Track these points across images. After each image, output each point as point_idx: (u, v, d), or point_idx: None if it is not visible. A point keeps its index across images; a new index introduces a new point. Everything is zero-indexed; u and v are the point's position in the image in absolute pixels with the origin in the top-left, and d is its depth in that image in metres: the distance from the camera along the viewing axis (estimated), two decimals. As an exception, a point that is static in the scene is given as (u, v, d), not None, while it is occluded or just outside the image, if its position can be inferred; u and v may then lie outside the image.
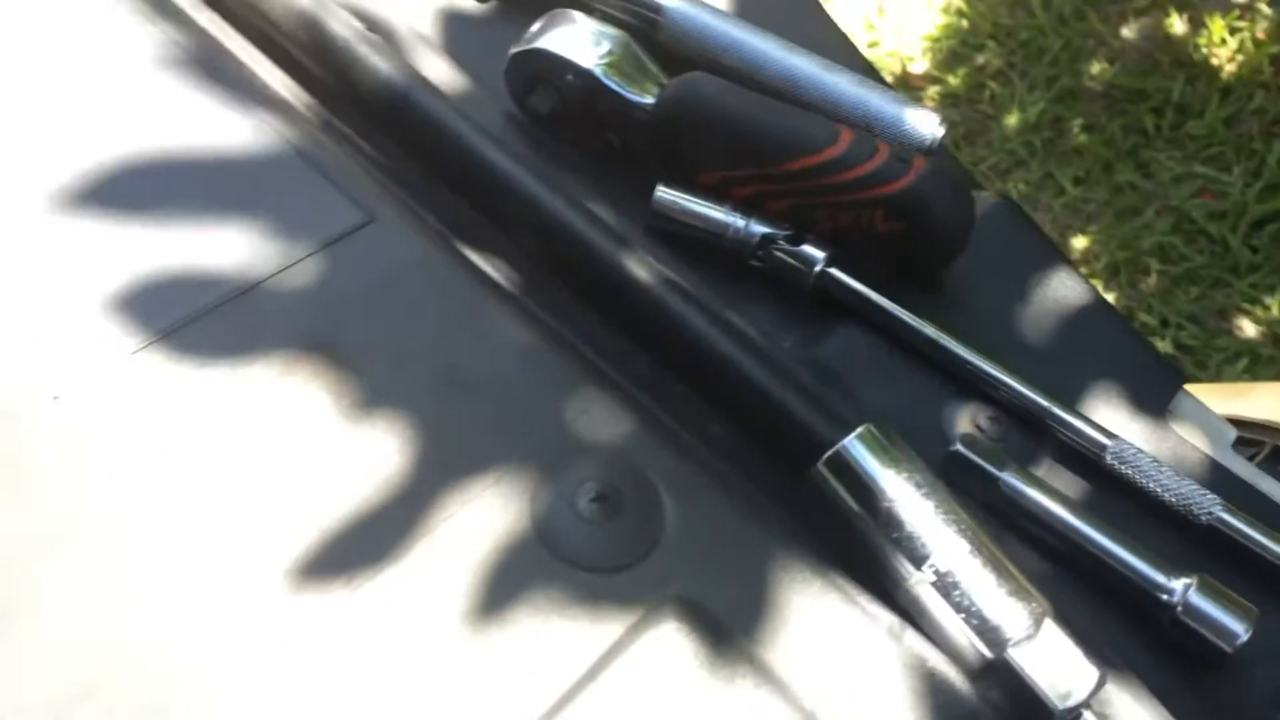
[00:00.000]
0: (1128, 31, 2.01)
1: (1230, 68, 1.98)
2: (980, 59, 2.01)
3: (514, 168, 0.43)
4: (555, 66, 0.47)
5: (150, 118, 0.41)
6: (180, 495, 0.32)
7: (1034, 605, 0.34)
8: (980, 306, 0.47)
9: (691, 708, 0.30)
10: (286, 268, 0.37)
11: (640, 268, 0.42)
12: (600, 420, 0.37)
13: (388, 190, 0.42)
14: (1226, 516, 0.41)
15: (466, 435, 0.35)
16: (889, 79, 1.98)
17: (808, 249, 0.45)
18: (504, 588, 0.32)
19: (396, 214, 0.40)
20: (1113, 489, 0.43)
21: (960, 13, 2.06)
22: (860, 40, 2.02)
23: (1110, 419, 0.45)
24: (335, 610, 0.31)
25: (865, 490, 0.36)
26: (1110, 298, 1.78)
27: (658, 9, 0.51)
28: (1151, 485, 0.42)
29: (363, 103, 0.45)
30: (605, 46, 0.47)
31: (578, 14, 0.48)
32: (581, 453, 0.36)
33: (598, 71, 0.46)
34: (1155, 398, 0.46)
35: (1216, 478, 0.43)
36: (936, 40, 2.02)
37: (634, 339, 0.43)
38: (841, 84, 0.49)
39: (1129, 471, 0.42)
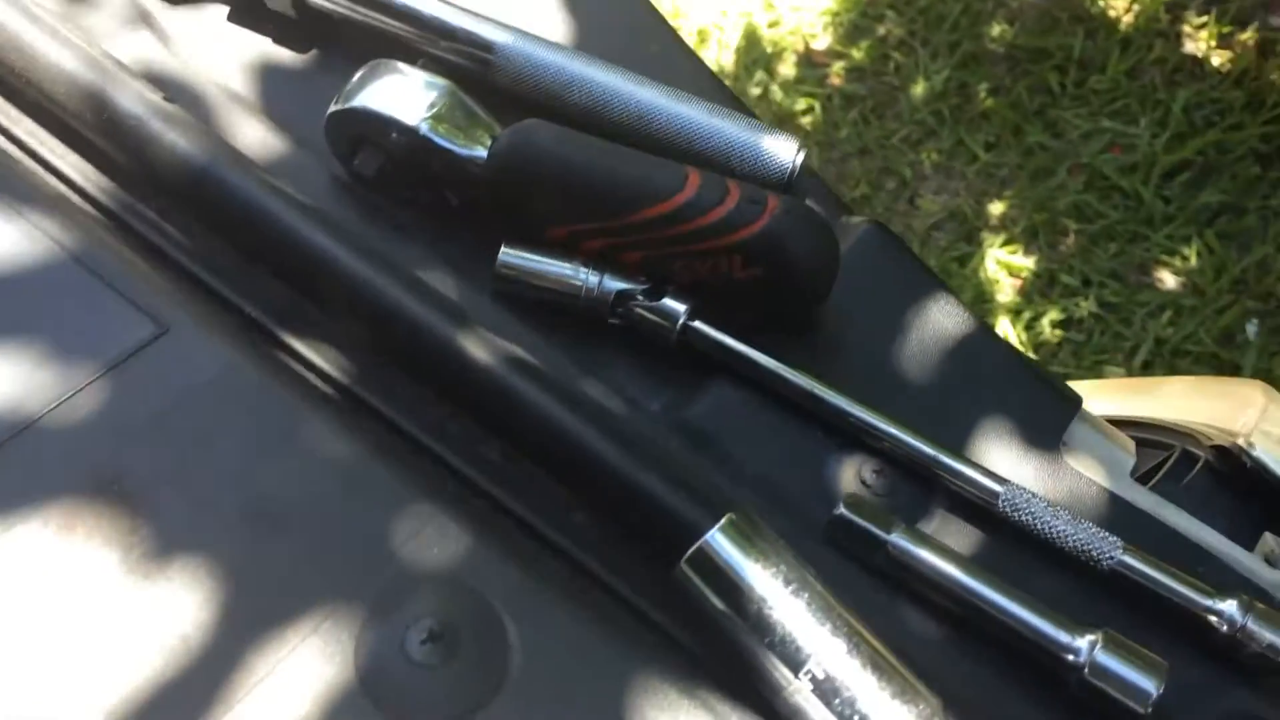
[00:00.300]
0: (1025, -10, 2.01)
1: (1128, 19, 1.98)
2: (881, 30, 1.99)
3: (332, 244, 0.39)
4: (377, 125, 0.43)
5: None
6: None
7: (922, 707, 0.31)
8: (857, 345, 0.44)
9: None
10: (65, 398, 0.33)
11: (480, 345, 0.38)
12: (435, 540, 0.33)
13: (185, 291, 0.37)
14: (1129, 560, 0.38)
15: (280, 577, 0.31)
16: (791, 58, 1.96)
17: (668, 302, 0.42)
18: (328, 755, 0.29)
19: (193, 320, 0.36)
20: (1009, 538, 0.40)
21: (858, -16, 2.04)
22: (761, 20, 1.99)
23: (1003, 457, 0.42)
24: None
25: (733, 589, 0.32)
26: (1031, 261, 1.78)
27: (489, 47, 0.47)
28: (1048, 532, 0.39)
29: (162, 183, 0.41)
30: (430, 98, 0.43)
31: (399, 64, 0.44)
32: (413, 583, 0.32)
33: (424, 128, 0.42)
34: (1050, 428, 0.43)
35: (1117, 514, 0.41)
36: (836, 14, 2.00)
37: (482, 424, 0.39)
38: (695, 115, 0.46)
39: (1024, 519, 0.39)
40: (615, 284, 0.42)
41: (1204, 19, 2.00)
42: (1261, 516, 0.49)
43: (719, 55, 1.98)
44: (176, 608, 0.30)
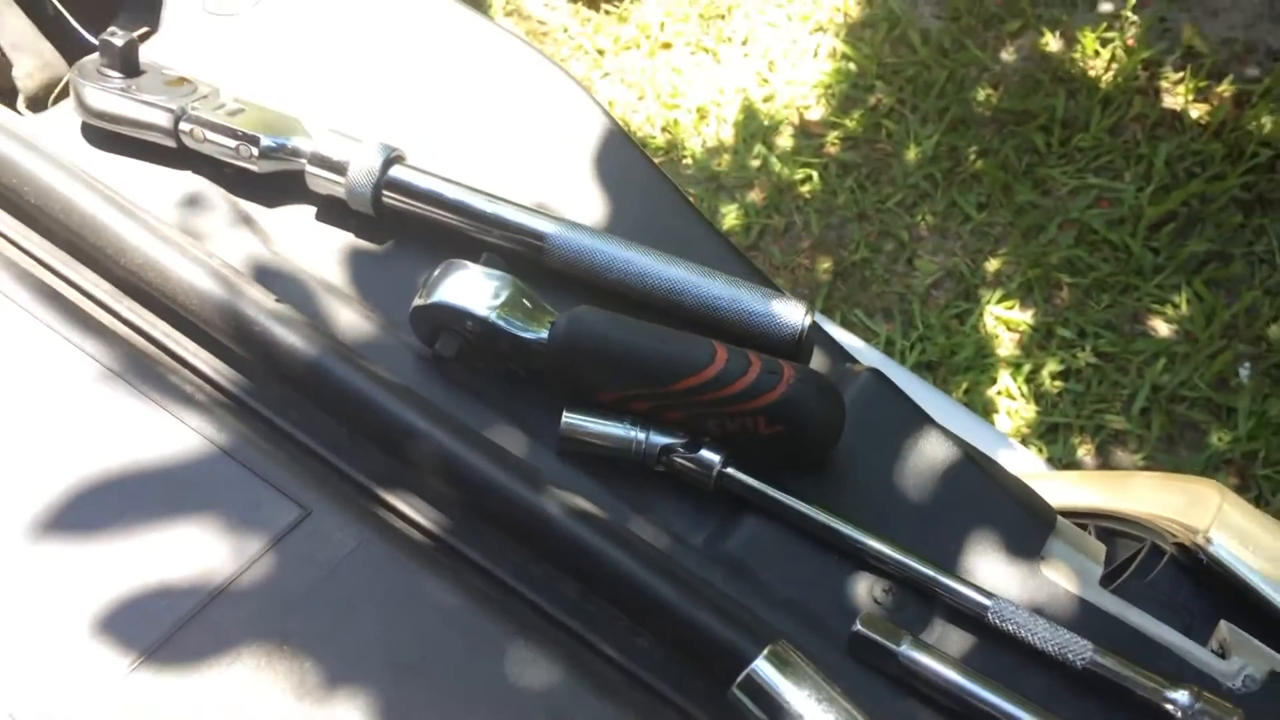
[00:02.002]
0: (1006, 55, 2.11)
1: (1107, 78, 2.08)
2: (872, 99, 2.09)
3: (425, 422, 0.48)
4: (454, 316, 0.52)
5: (86, 438, 0.45)
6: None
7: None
8: (863, 480, 0.53)
9: None
10: (240, 573, 0.42)
11: (549, 500, 0.46)
12: (531, 675, 0.41)
13: (315, 472, 0.46)
14: (1098, 659, 0.46)
15: (418, 713, 0.40)
16: (788, 130, 2.06)
17: (705, 453, 0.51)
18: None
19: (330, 501, 0.44)
20: (999, 642, 0.48)
21: (846, 57, 2.15)
22: (756, 95, 2.09)
23: (991, 571, 0.50)
24: None
25: (776, 709, 0.41)
26: (1028, 315, 1.86)
27: (540, 236, 0.56)
28: (1031, 637, 0.47)
29: (284, 376, 0.50)
30: (496, 288, 0.52)
31: (468, 263, 0.53)
32: (521, 713, 0.40)
33: (493, 316, 0.51)
34: (1029, 543, 0.51)
35: (1088, 618, 0.49)
36: (828, 87, 2.10)
37: (558, 567, 0.48)
38: (716, 288, 0.55)
39: (1010, 627, 0.47)
40: (660, 439, 0.51)
41: (1180, 74, 2.10)
42: (1219, 605, 0.57)
43: (719, 130, 2.08)
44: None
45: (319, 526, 0.44)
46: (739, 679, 0.41)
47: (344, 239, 0.59)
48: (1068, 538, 0.52)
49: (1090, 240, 1.93)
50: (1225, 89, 2.09)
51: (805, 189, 2.02)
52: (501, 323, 0.51)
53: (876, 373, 0.55)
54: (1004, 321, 1.88)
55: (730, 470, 0.51)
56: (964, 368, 1.81)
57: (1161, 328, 1.85)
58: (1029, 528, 0.52)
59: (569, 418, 0.51)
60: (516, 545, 0.48)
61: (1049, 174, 2.00)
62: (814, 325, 0.55)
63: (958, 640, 0.48)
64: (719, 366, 0.49)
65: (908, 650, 0.46)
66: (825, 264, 1.95)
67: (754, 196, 2.02)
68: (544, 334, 0.52)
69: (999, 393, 1.80)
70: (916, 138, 2.04)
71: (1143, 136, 2.03)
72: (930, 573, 0.49)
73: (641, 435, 0.51)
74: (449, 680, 0.41)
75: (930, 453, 0.53)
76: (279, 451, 0.47)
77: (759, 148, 2.05)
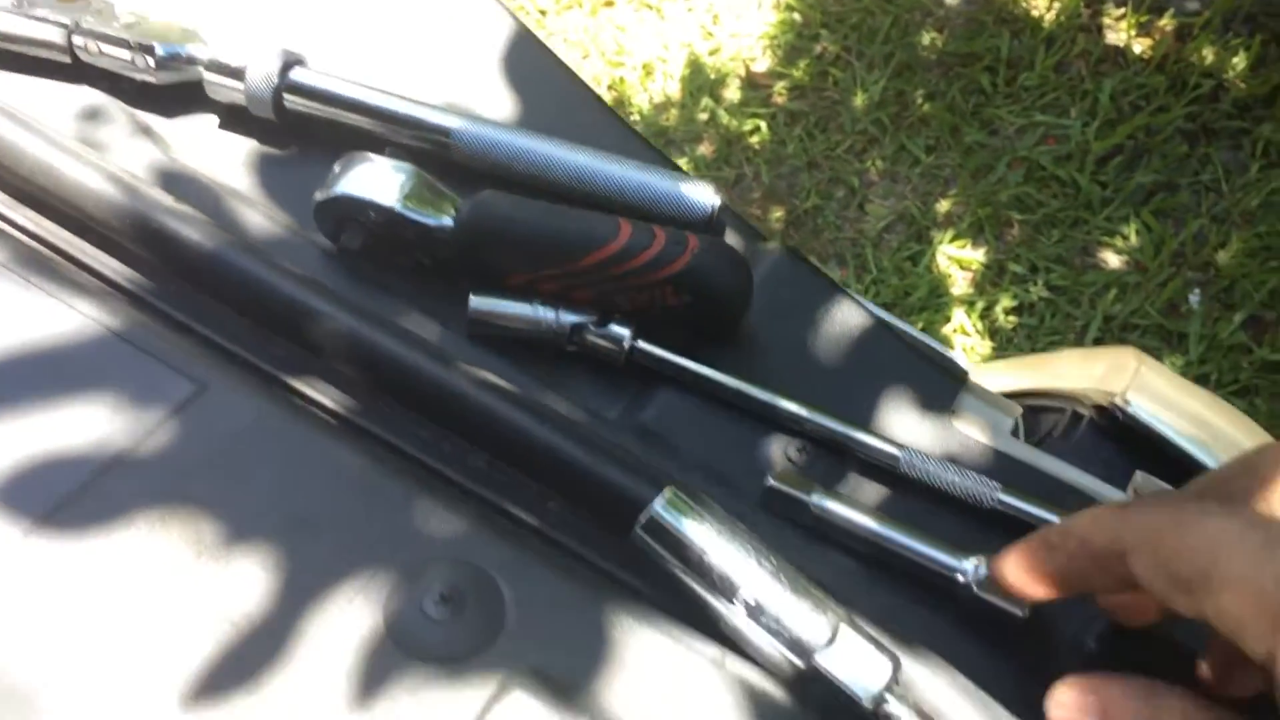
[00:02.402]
0: (950, -1, 2.12)
1: (1050, 17, 2.09)
2: (818, 48, 2.09)
3: (329, 305, 0.47)
4: (357, 207, 0.51)
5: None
6: (75, 647, 0.37)
7: (831, 616, 0.40)
8: (776, 349, 0.53)
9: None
10: (135, 445, 0.42)
11: (458, 375, 0.47)
12: (439, 529, 0.41)
13: (213, 357, 0.46)
14: (1005, 498, 0.47)
15: (318, 566, 0.40)
16: (735, 82, 2.06)
17: (615, 328, 0.51)
18: (368, 691, 0.37)
19: (227, 377, 0.44)
20: (910, 491, 0.48)
21: (790, 7, 2.15)
22: (701, 49, 2.09)
23: (903, 426, 0.51)
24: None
25: (677, 545, 0.41)
26: (980, 253, 1.87)
27: (447, 132, 0.56)
28: (940, 483, 0.48)
29: (183, 271, 0.50)
30: (399, 179, 0.52)
31: (371, 154, 0.53)
32: (425, 561, 0.40)
33: (397, 206, 0.51)
34: (940, 399, 0.52)
35: (999, 464, 0.49)
36: (774, 38, 2.10)
37: (466, 439, 0.48)
38: (624, 172, 0.55)
39: (920, 475, 0.48)
40: (569, 317, 0.51)
41: (1122, 10, 2.11)
42: (1136, 460, 0.58)
43: (665, 86, 2.08)
44: (237, 594, 0.39)
45: (216, 400, 0.43)
46: (641, 520, 0.41)
47: (247, 145, 0.58)
48: (979, 393, 0.53)
49: (1039, 177, 1.94)
50: (1166, 23, 2.10)
51: (754, 140, 2.02)
52: (406, 211, 0.51)
53: (789, 249, 0.56)
54: (956, 261, 1.89)
55: (642, 344, 0.51)
56: (919, 308, 1.82)
57: (1111, 259, 1.87)
58: (940, 384, 0.52)
59: (477, 300, 0.51)
60: (424, 421, 0.48)
61: (996, 114, 2.01)
62: (724, 207, 0.55)
63: (871, 491, 0.49)
64: (624, 240, 0.49)
65: (819, 500, 0.47)
66: (777, 213, 1.95)
67: (703, 150, 2.02)
68: (449, 221, 0.51)
69: (954, 330, 1.81)
70: (863, 84, 2.05)
71: (1087, 73, 2.04)
72: (842, 428, 0.49)
73: (551, 314, 0.51)
74: (349, 535, 0.41)
75: (842, 320, 0.54)
76: (175, 335, 0.47)
77: (706, 101, 2.05)
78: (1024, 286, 1.82)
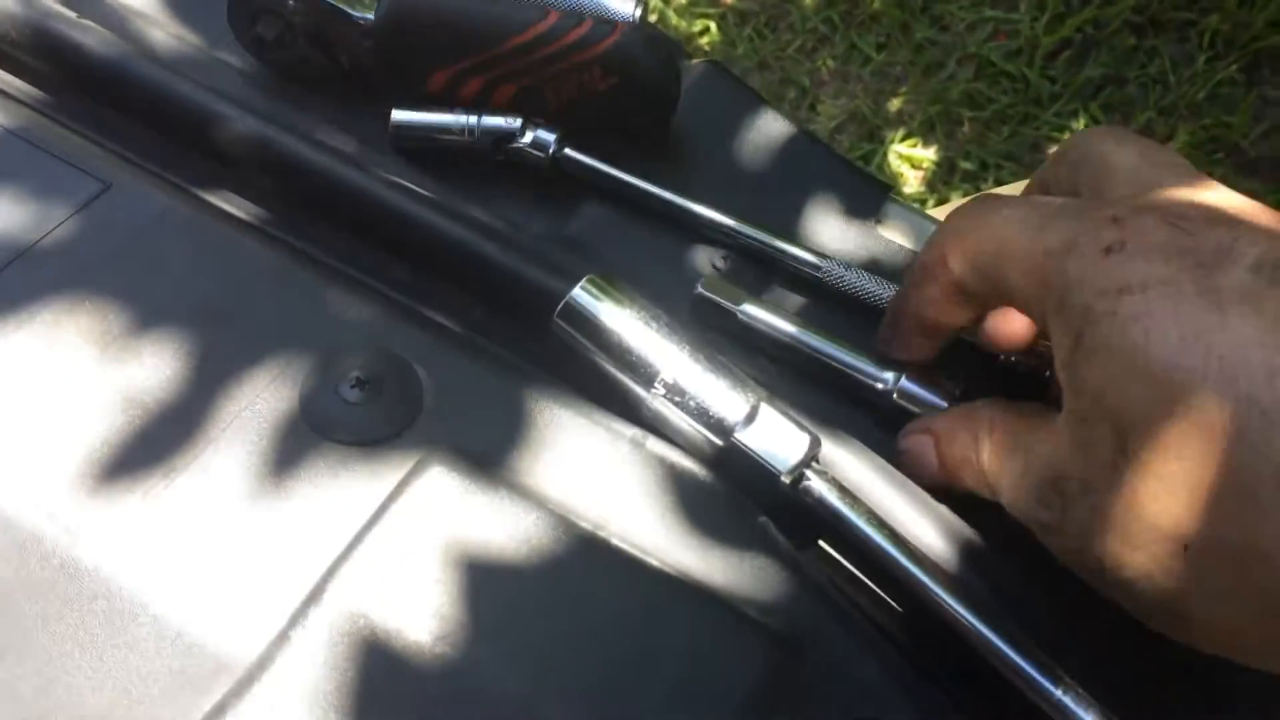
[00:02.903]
0: (900, -106, 2.08)
1: (1000, -89, 2.06)
2: (768, -54, 2.05)
3: (237, 112, 0.46)
4: None
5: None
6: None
7: (750, 395, 0.40)
8: (702, 162, 0.52)
9: (464, 535, 0.35)
10: (39, 240, 0.40)
11: (374, 180, 0.46)
12: (357, 318, 0.41)
13: (119, 159, 0.45)
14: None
15: (232, 354, 0.39)
16: (685, -18, 2.02)
17: (540, 133, 0.50)
18: (284, 472, 0.37)
19: (132, 177, 0.43)
20: (833, 301, 0.48)
21: (740, -95, 2.10)
22: (652, -49, 2.05)
23: (829, 236, 0.51)
24: (133, 518, 0.35)
25: (595, 329, 0.41)
26: (931, 152, 1.87)
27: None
28: (862, 293, 0.47)
29: (84, 83, 0.48)
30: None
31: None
32: (341, 347, 0.40)
33: None
34: (866, 210, 0.52)
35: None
36: (723, -64, 2.06)
37: (389, 250, 0.47)
38: (543, -18, 0.53)
39: (843, 285, 0.48)
40: (493, 120, 0.50)
41: (1070, -98, 2.08)
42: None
43: (616, -11, 2.03)
44: (150, 382, 0.38)
45: (121, 197, 0.42)
46: (559, 307, 0.41)
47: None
48: (903, 203, 0.53)
49: (989, 73, 1.93)
50: (1115, -85, 2.08)
51: (704, 40, 1.99)
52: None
53: (714, 63, 0.55)
54: (908, 159, 1.89)
55: (568, 150, 0.50)
56: (870, 205, 1.81)
57: (1061, 153, 1.86)
58: (865, 195, 0.52)
59: (398, 113, 0.50)
60: (342, 232, 0.47)
61: (946, 10, 1.99)
62: (644, 18, 0.54)
63: (795, 302, 0.49)
64: (550, 22, 0.49)
65: (747, 307, 0.46)
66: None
67: (653, 51, 1.98)
68: (369, 14, 0.50)
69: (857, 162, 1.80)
70: (813, -19, 2.02)
71: (1036, -33, 2.02)
72: (766, 238, 0.49)
73: (474, 120, 0.50)
74: (263, 324, 0.40)
75: (768, 134, 0.53)
76: (74, 136, 0.45)
77: (654, 2, 2.02)
78: (975, 184, 1.82)
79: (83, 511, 0.35)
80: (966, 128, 1.88)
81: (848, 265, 0.48)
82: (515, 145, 0.50)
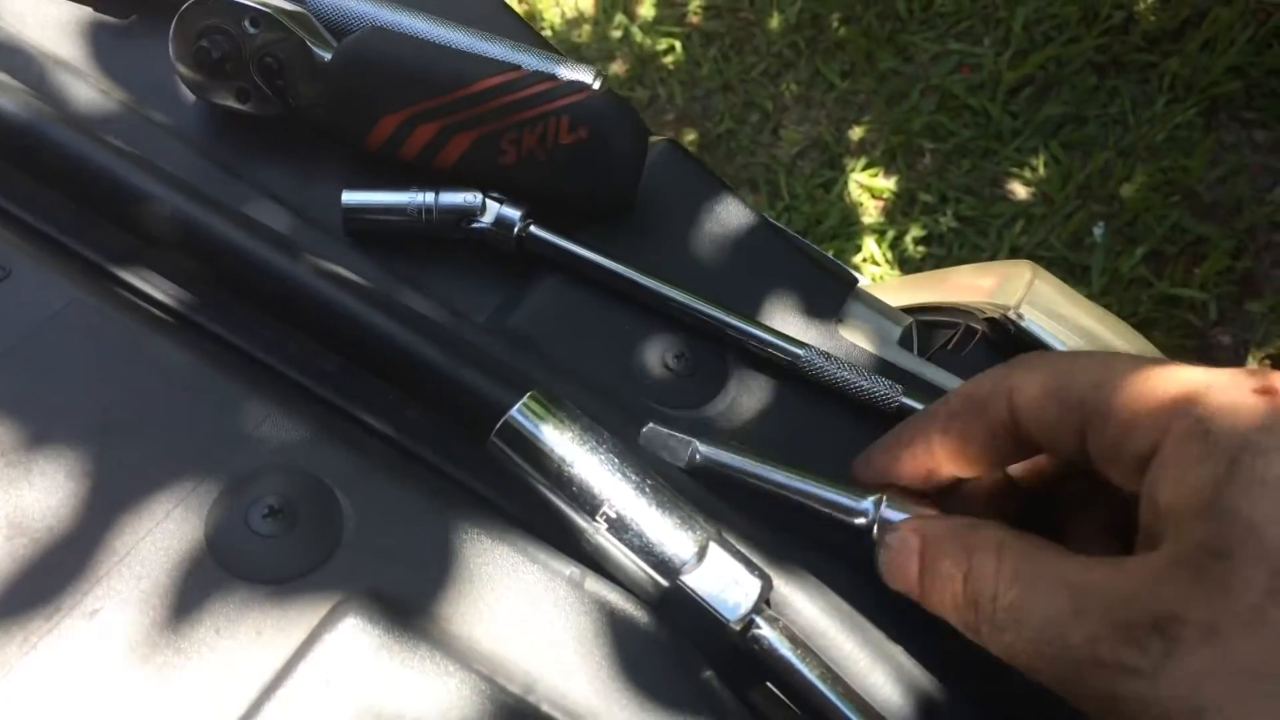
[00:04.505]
0: (869, -80, 2.07)
1: (967, -58, 2.06)
2: (735, -34, 2.03)
3: (155, 184, 0.42)
4: (235, 11, 0.46)
5: None
6: None
7: (699, 533, 0.37)
8: (662, 245, 0.49)
9: (378, 704, 0.32)
10: (-79, 336, 0.37)
11: (303, 265, 0.42)
12: (274, 435, 0.37)
13: (24, 239, 0.41)
14: (908, 401, 0.44)
15: (133, 473, 0.35)
16: (652, -1, 1.99)
17: (505, 210, 0.47)
18: (185, 614, 0.33)
19: (34, 264, 0.39)
20: (806, 390, 0.46)
21: (708, -76, 2.08)
22: (618, -35, 2.02)
23: (789, 329, 0.48)
24: (14, 673, 0.32)
25: (535, 454, 0.38)
26: (891, 182, 1.86)
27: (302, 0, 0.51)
28: (840, 383, 0.45)
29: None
30: (284, 3, 0.47)
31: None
32: (255, 470, 0.36)
33: (282, 18, 0.46)
34: (828, 305, 0.49)
35: (886, 372, 0.47)
36: (691, -45, 2.04)
37: (316, 340, 0.43)
38: (498, 49, 0.50)
39: (820, 374, 0.45)
40: (450, 199, 0.47)
41: (1037, -62, 2.08)
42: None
43: (578, 1, 2.01)
44: (40, 505, 0.34)
45: (19, 286, 0.38)
46: (496, 427, 0.38)
47: (81, 14, 0.52)
48: (867, 301, 0.50)
49: (951, 106, 1.93)
50: (1081, -48, 2.08)
51: (668, 60, 1.97)
52: (290, 23, 0.46)
53: (673, 142, 0.52)
54: (868, 189, 1.87)
55: (534, 228, 0.47)
56: (830, 235, 1.80)
57: (1020, 190, 1.87)
58: (828, 290, 0.49)
59: (350, 195, 0.47)
60: (267, 319, 0.44)
61: (911, 40, 1.98)
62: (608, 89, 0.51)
63: (757, 394, 0.46)
64: (521, 71, 0.46)
65: (702, 446, 0.43)
66: (690, 136, 1.91)
67: (616, 68, 1.96)
68: (327, 53, 0.47)
69: (864, 259, 1.80)
70: (779, 5, 2.01)
71: (1001, 0, 2.02)
72: (742, 325, 0.46)
73: (431, 198, 0.47)
74: (169, 438, 0.36)
75: (728, 219, 0.50)
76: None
77: (620, 18, 1.99)
78: (934, 216, 1.81)
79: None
80: (928, 159, 1.87)
81: (827, 355, 0.45)
82: (476, 224, 0.47)
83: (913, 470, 0.39)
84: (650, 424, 0.43)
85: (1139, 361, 0.32)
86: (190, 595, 0.34)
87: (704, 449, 0.42)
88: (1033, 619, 0.32)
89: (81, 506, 0.35)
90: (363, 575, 0.35)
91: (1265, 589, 0.27)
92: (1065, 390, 0.34)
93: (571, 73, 0.50)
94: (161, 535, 0.34)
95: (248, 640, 0.33)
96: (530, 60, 0.50)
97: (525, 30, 0.56)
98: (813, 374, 0.46)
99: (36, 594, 0.33)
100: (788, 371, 0.46)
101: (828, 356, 0.46)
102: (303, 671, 0.32)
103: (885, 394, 0.45)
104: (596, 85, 0.51)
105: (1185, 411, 0.30)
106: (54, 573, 0.33)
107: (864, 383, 0.45)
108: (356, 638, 0.32)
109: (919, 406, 0.45)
